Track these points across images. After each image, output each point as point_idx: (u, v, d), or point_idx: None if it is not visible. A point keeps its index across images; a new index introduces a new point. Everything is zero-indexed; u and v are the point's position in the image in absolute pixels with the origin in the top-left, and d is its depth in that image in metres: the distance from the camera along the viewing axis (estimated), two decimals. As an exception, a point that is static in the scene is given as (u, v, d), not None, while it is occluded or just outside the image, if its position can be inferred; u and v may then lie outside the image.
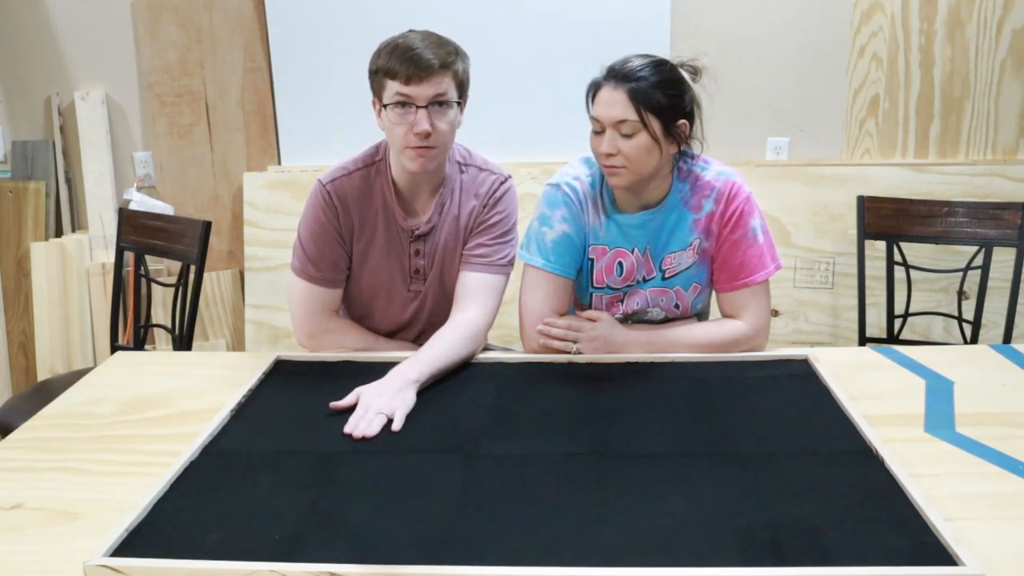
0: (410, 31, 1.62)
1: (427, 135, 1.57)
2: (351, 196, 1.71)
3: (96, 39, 2.95)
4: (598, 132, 1.60)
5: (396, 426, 1.38)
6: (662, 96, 1.55)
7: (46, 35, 2.95)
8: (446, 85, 1.58)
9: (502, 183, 1.76)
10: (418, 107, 1.56)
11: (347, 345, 1.75)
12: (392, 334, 1.83)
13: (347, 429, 1.36)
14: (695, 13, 2.82)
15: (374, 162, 1.73)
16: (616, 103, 1.55)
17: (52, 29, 2.94)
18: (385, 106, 1.58)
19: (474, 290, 1.71)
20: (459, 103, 1.62)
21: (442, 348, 1.59)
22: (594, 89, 1.61)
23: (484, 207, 1.74)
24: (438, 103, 1.57)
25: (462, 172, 1.75)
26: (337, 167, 1.73)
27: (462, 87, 1.62)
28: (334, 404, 1.44)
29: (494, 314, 1.72)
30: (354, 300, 1.82)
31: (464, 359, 1.62)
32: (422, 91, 1.56)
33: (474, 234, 1.74)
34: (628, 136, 1.55)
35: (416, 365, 1.52)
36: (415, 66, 1.54)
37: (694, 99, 1.61)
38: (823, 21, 2.81)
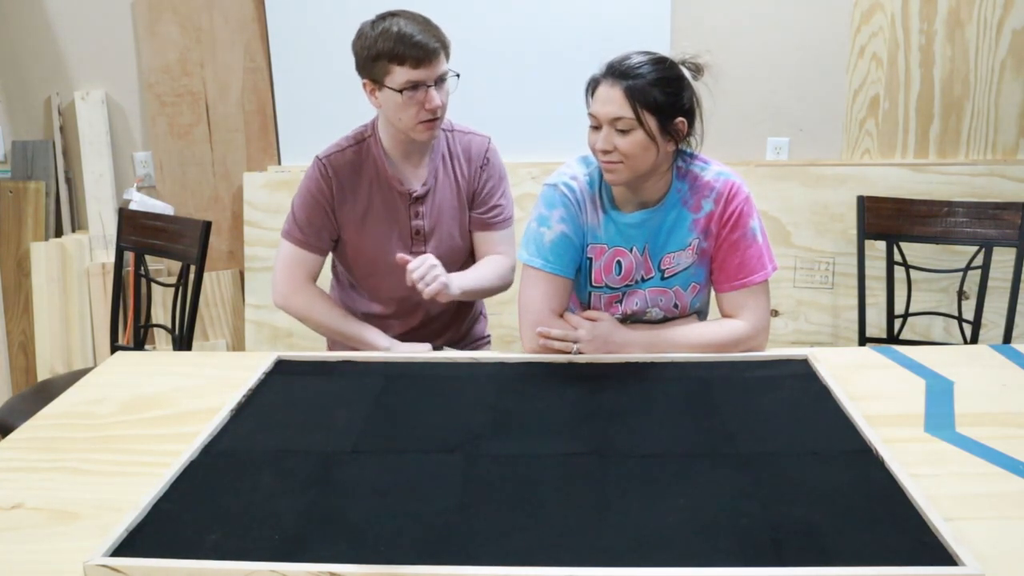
0: (392, 15, 1.72)
1: (438, 109, 1.73)
2: (345, 170, 1.84)
3: (96, 39, 2.95)
4: (595, 128, 1.60)
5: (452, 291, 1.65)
6: (659, 94, 1.55)
7: (46, 35, 2.95)
8: (445, 63, 1.74)
9: (489, 142, 1.93)
10: (428, 87, 1.70)
11: (314, 312, 1.87)
12: (403, 301, 1.91)
13: (411, 267, 1.59)
14: (695, 13, 2.82)
15: (364, 139, 1.86)
16: (612, 100, 1.55)
17: (52, 29, 2.94)
18: (398, 91, 1.70)
19: (496, 244, 1.92)
20: (457, 75, 1.77)
21: (478, 271, 1.85)
22: (592, 85, 1.61)
23: (481, 167, 1.89)
24: (442, 79, 1.73)
25: (448, 137, 1.89)
26: (331, 145, 1.88)
27: (449, 57, 1.77)
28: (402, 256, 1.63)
29: (515, 260, 1.90)
30: (362, 270, 1.91)
31: (495, 286, 1.86)
32: (430, 73, 1.70)
33: (481, 197, 1.90)
34: (624, 133, 1.56)
35: (456, 279, 1.70)
36: (422, 51, 1.67)
37: (693, 96, 1.60)
38: (823, 21, 2.81)
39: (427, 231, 1.87)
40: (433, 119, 1.74)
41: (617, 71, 1.56)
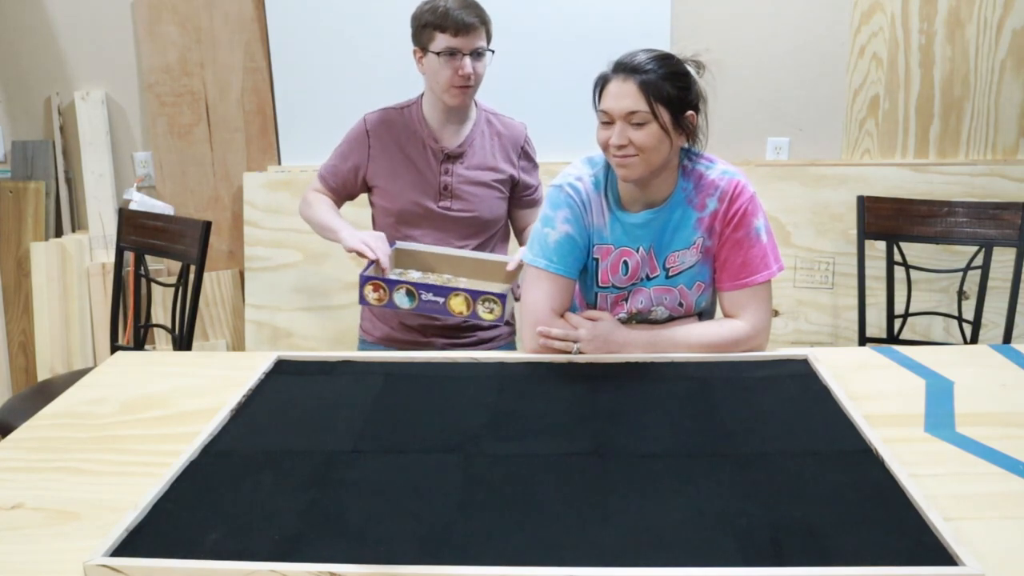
0: None
1: (470, 77, 1.93)
2: (383, 126, 2.07)
3: (96, 39, 2.95)
4: (607, 124, 1.60)
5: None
6: (670, 88, 1.57)
7: (46, 35, 2.95)
8: (483, 38, 1.95)
9: (526, 130, 2.15)
10: (464, 55, 1.92)
11: (311, 210, 2.07)
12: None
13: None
14: (695, 13, 2.82)
15: (409, 104, 2.09)
16: (626, 95, 1.56)
17: (52, 29, 2.94)
18: (437, 54, 1.92)
19: (536, 214, 2.01)
20: (492, 51, 1.98)
21: None
22: (602, 83, 1.62)
23: (523, 154, 2.12)
24: (478, 53, 1.94)
25: (489, 118, 2.09)
26: (380, 108, 2.11)
27: (490, 37, 1.98)
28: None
29: None
30: (396, 220, 2.05)
31: None
32: (467, 43, 1.92)
33: (525, 183, 2.12)
34: (638, 127, 1.57)
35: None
36: (462, 22, 1.90)
37: (699, 92, 1.62)
38: (823, 21, 2.81)
39: (454, 187, 2.03)
40: (465, 86, 1.94)
41: (628, 67, 1.58)
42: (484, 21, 1.95)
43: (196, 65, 2.94)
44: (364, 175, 2.08)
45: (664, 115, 1.57)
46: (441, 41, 1.92)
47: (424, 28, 1.95)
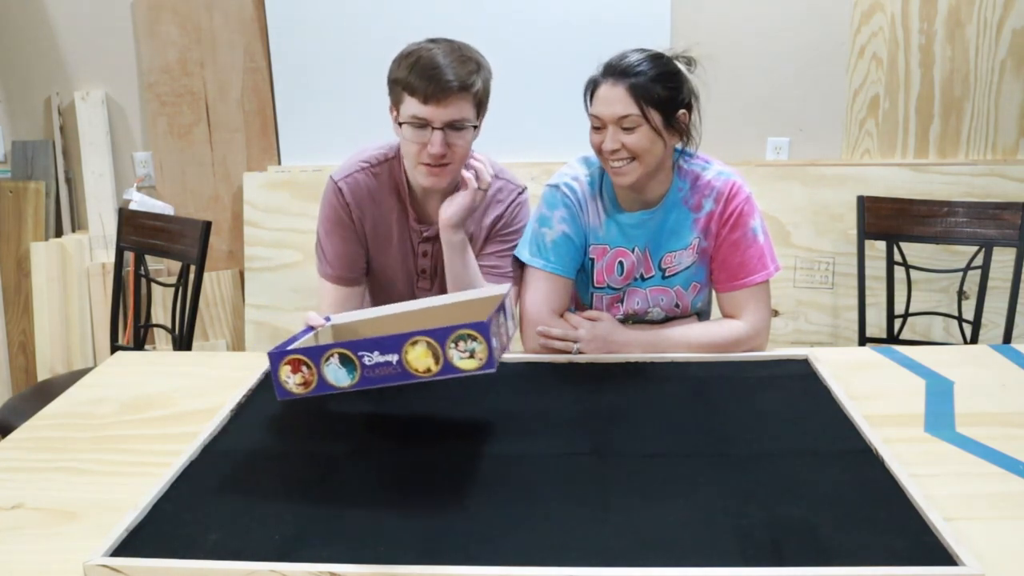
0: (433, 42, 1.57)
1: (441, 156, 1.55)
2: (363, 193, 1.69)
3: (96, 39, 2.95)
4: (598, 129, 1.60)
5: None
6: (661, 89, 1.56)
7: (46, 35, 2.95)
8: (464, 109, 1.55)
9: (519, 194, 1.76)
10: (434, 128, 1.54)
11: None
12: None
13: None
14: (695, 13, 2.82)
15: (386, 160, 1.71)
16: (616, 100, 1.56)
17: (52, 29, 2.94)
18: (400, 124, 1.57)
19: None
20: (476, 126, 1.59)
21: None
22: (592, 87, 1.61)
23: (500, 218, 1.74)
24: (456, 126, 1.55)
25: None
26: (350, 163, 1.72)
27: (481, 105, 1.59)
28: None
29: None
30: (372, 291, 1.81)
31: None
32: (439, 114, 1.53)
33: (488, 243, 1.74)
34: (630, 131, 1.56)
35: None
36: (434, 85, 1.50)
37: (691, 90, 1.62)
38: (823, 21, 2.81)
39: (431, 271, 1.76)
40: (438, 164, 1.57)
41: (617, 70, 1.57)
42: (466, 85, 1.51)
43: (196, 65, 2.94)
44: (366, 244, 1.72)
45: (655, 117, 1.56)
46: (409, 107, 1.53)
47: (395, 85, 1.56)
